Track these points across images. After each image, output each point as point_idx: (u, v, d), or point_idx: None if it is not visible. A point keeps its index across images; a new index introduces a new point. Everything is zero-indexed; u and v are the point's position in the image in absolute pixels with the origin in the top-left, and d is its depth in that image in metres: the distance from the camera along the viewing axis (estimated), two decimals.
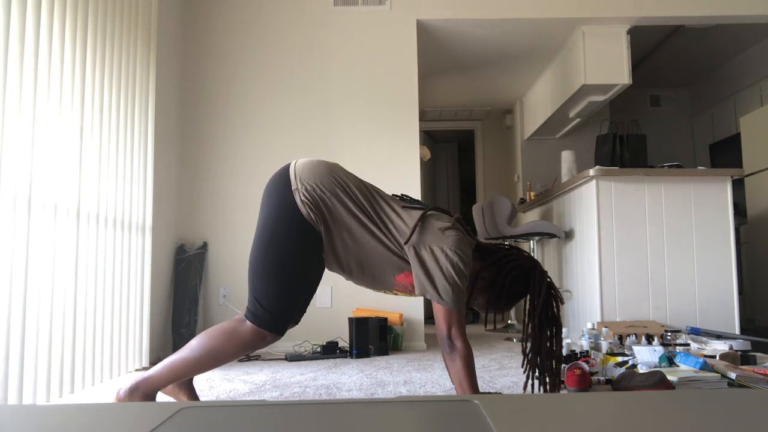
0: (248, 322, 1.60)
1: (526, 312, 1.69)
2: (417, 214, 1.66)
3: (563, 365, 2.08)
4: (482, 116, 6.26)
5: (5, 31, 1.73)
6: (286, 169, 1.68)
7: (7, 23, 1.74)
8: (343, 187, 1.64)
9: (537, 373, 1.70)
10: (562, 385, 1.99)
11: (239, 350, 1.60)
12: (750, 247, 4.55)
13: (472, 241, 1.72)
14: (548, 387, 1.68)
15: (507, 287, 1.68)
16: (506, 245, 1.79)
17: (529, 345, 1.69)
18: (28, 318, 1.80)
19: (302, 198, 1.61)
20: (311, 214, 1.61)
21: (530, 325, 1.67)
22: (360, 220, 1.63)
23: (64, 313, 2.02)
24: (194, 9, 3.65)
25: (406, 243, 1.60)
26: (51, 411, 0.68)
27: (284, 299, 1.60)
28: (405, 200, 1.74)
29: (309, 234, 1.61)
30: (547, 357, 1.67)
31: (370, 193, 1.68)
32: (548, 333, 1.67)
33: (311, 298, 1.81)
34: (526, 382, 1.72)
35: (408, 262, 1.65)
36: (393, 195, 1.76)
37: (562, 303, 1.72)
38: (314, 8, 3.69)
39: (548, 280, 1.69)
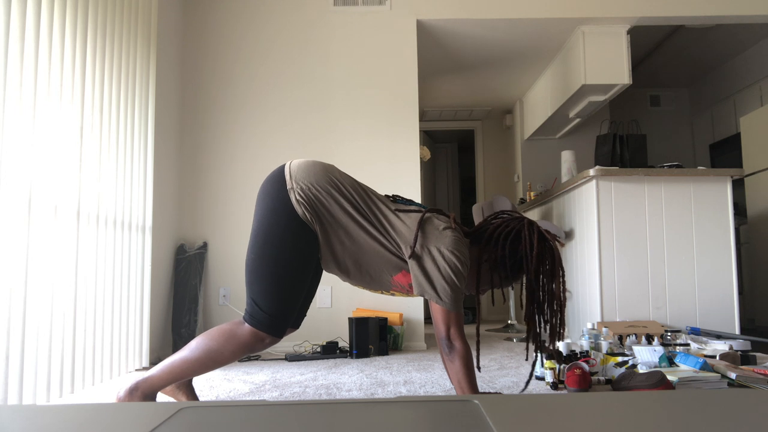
0: (246, 324, 1.60)
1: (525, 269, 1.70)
2: (415, 216, 1.66)
3: (564, 365, 2.08)
4: (482, 116, 6.26)
5: (5, 31, 1.73)
6: (281, 169, 1.68)
7: (8, 23, 1.74)
8: (338, 187, 1.65)
9: (539, 328, 1.70)
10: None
11: (238, 352, 1.60)
12: (750, 247, 4.55)
13: (468, 241, 1.73)
14: (552, 334, 1.68)
15: (509, 257, 1.69)
16: (491, 219, 1.79)
17: (531, 309, 1.69)
18: (28, 318, 1.80)
19: (297, 197, 1.61)
20: (306, 214, 1.61)
21: (527, 280, 1.68)
22: (356, 220, 1.64)
23: (64, 313, 2.02)
24: (194, 9, 3.65)
25: (410, 257, 1.61)
26: (51, 411, 0.68)
27: (282, 300, 1.60)
28: (398, 201, 1.75)
29: (304, 233, 1.62)
30: (548, 302, 1.67)
31: (366, 193, 1.69)
32: (548, 280, 1.68)
33: (310, 301, 1.81)
34: (527, 343, 1.73)
35: (406, 262, 1.66)
36: (386, 195, 1.76)
37: (562, 245, 1.73)
38: (314, 8, 3.69)
39: (539, 229, 1.69)
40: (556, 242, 1.70)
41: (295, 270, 1.61)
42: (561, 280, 1.68)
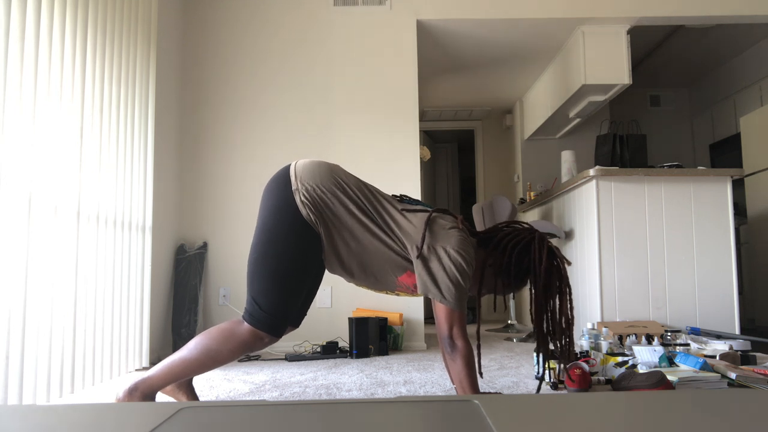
0: (246, 323, 1.60)
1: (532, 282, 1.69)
2: (422, 216, 1.66)
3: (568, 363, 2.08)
4: (482, 116, 6.26)
5: (5, 31, 1.73)
6: (287, 169, 1.68)
7: (8, 23, 1.74)
8: (343, 188, 1.65)
9: (548, 345, 1.70)
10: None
11: (237, 351, 1.60)
12: (750, 247, 4.55)
13: (474, 241, 1.73)
14: (560, 353, 1.68)
15: (514, 266, 1.69)
16: (502, 226, 1.79)
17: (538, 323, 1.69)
18: (28, 318, 1.80)
19: (302, 198, 1.61)
20: (311, 215, 1.61)
21: (535, 295, 1.68)
22: (361, 221, 1.63)
23: (64, 313, 2.02)
24: (194, 9, 3.65)
25: (418, 257, 1.60)
26: (51, 411, 0.68)
27: (282, 300, 1.60)
28: (405, 201, 1.75)
29: (308, 234, 1.62)
30: (556, 320, 1.67)
31: (372, 193, 1.68)
32: (555, 297, 1.68)
33: (311, 301, 1.81)
34: (538, 357, 1.72)
35: (411, 262, 1.66)
36: (393, 195, 1.76)
37: (569, 264, 1.73)
38: (314, 8, 3.69)
39: (549, 245, 1.69)
40: (565, 261, 1.70)
41: (297, 270, 1.61)
42: (568, 297, 1.68)
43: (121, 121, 2.56)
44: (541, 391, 2.02)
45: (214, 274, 3.46)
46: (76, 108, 2.15)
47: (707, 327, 3.27)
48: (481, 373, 1.70)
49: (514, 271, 1.70)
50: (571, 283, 3.72)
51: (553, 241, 4.10)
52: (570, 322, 1.67)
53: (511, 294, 2.65)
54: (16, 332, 1.73)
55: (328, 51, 3.66)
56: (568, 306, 1.67)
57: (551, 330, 1.69)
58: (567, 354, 1.69)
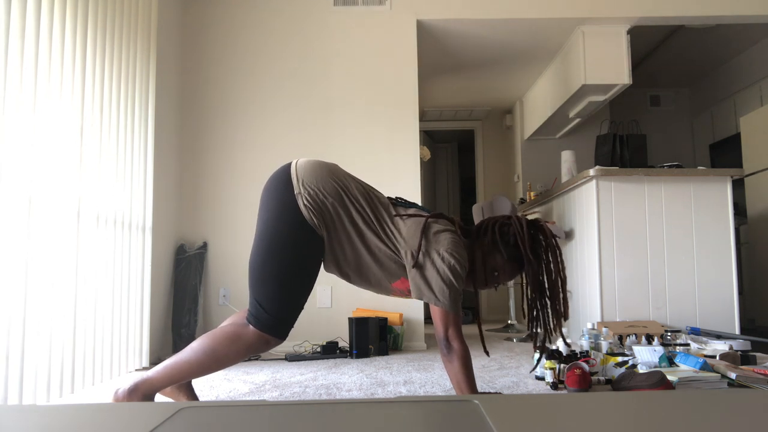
0: (251, 327, 1.59)
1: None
2: (418, 221, 1.66)
3: (564, 365, 2.08)
4: (482, 116, 6.26)
5: (5, 30, 1.73)
6: (287, 170, 1.67)
7: (8, 23, 1.74)
8: (346, 193, 1.65)
9: (540, 310, 1.72)
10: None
11: (242, 354, 1.59)
12: (750, 247, 4.55)
13: (467, 242, 1.73)
14: (553, 315, 1.69)
15: (501, 241, 1.70)
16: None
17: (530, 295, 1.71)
18: (28, 318, 1.80)
19: (305, 202, 1.60)
20: (314, 218, 1.60)
21: (525, 261, 1.68)
22: (360, 228, 1.64)
23: (64, 313, 2.02)
24: (194, 9, 3.65)
25: (414, 265, 1.61)
26: (51, 411, 0.68)
27: (287, 303, 1.59)
28: (399, 204, 1.75)
29: (311, 237, 1.61)
30: (548, 283, 1.69)
31: (370, 197, 1.69)
32: (546, 259, 1.69)
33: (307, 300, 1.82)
34: (529, 324, 1.74)
35: (404, 268, 1.67)
36: (388, 198, 1.76)
37: (552, 224, 1.75)
38: (314, 8, 3.69)
39: (526, 219, 1.72)
40: (546, 222, 1.72)
41: (303, 274, 1.61)
42: (559, 259, 1.69)
43: (121, 121, 2.56)
44: (541, 391, 2.02)
45: (214, 274, 3.46)
46: (76, 107, 2.15)
47: (707, 327, 3.27)
48: (487, 352, 1.71)
49: (502, 245, 1.70)
50: (570, 283, 3.72)
51: None
52: (563, 282, 1.69)
53: (511, 282, 2.65)
54: (16, 332, 1.73)
55: (328, 51, 3.66)
56: (560, 267, 1.68)
57: (546, 296, 1.70)
58: (561, 316, 1.70)
